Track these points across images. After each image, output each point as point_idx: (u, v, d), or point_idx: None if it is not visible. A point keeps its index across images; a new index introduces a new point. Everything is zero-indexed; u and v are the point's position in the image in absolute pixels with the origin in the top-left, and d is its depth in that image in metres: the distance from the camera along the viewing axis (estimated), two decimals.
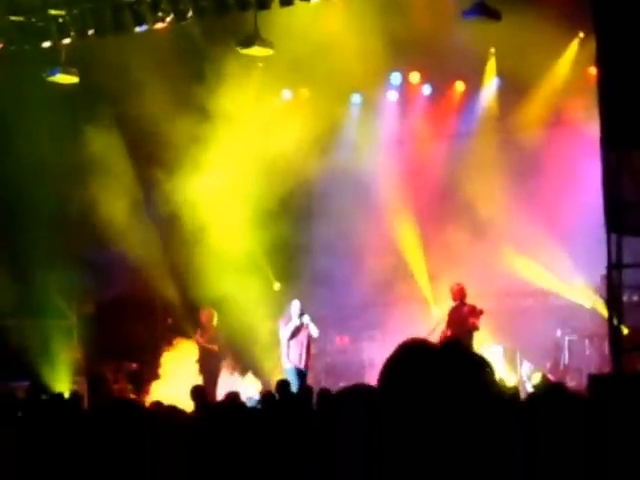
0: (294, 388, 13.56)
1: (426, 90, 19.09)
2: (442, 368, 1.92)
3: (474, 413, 1.89)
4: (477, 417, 1.89)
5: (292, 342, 15.68)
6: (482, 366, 1.97)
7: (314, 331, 15.73)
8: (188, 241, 17.32)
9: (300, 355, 15.65)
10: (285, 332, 15.69)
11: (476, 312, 14.86)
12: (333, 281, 17.45)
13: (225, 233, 17.16)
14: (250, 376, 17.51)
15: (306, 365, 15.76)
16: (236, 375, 17.43)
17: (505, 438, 1.93)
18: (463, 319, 14.90)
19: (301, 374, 15.50)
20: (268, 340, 16.76)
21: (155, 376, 16.93)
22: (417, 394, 1.90)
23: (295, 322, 15.63)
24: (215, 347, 16.33)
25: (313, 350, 16.41)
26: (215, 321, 16.50)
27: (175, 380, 16.07)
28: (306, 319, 15.65)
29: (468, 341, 14.68)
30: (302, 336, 15.69)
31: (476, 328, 14.86)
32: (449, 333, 14.97)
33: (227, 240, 17.05)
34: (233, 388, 13.36)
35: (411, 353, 1.97)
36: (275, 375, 15.23)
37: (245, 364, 17.59)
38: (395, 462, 1.87)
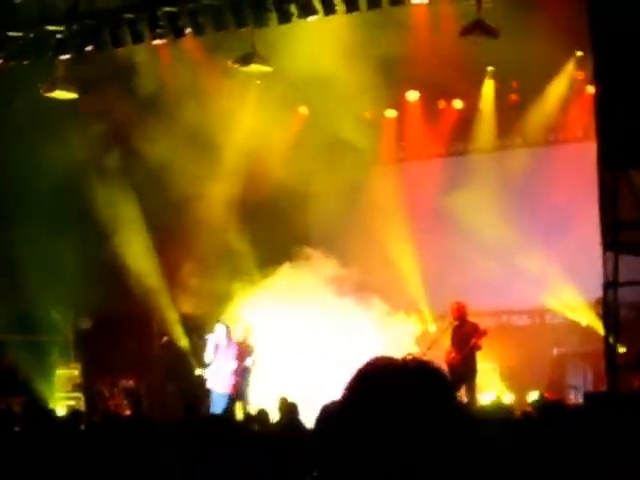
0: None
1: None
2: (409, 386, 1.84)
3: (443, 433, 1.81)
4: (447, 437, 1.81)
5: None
6: (449, 386, 1.89)
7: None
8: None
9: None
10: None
11: (479, 332, 14.75)
12: None
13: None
14: None
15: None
16: None
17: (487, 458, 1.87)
18: (465, 338, 14.74)
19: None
20: None
21: None
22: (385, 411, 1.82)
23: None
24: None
25: None
26: (252, 337, 15.86)
27: None
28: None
29: (471, 361, 14.66)
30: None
31: (478, 348, 14.74)
32: (454, 354, 14.72)
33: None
34: None
35: (378, 369, 1.89)
36: None
37: None
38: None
